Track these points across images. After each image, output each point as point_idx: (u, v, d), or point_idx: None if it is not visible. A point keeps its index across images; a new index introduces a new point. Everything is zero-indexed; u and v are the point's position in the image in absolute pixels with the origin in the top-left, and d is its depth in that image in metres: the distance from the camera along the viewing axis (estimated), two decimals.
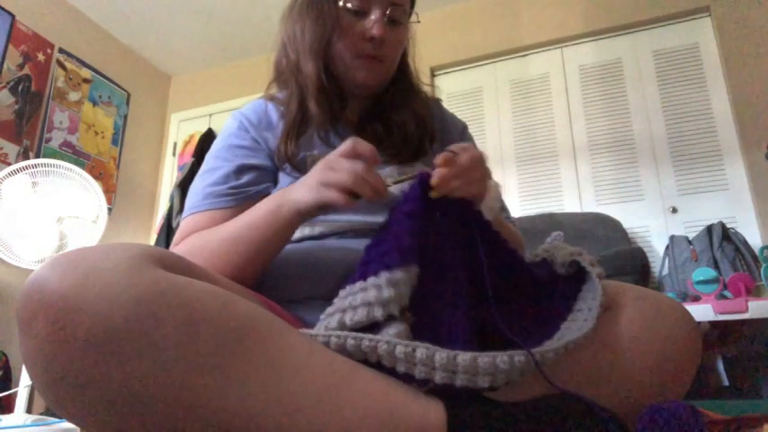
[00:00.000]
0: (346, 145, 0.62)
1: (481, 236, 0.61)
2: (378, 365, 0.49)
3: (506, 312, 0.60)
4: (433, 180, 0.60)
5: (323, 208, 0.64)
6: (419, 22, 0.88)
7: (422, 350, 0.47)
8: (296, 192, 0.66)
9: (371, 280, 0.53)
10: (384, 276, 0.52)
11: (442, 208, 0.61)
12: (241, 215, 0.71)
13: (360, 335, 0.50)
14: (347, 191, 0.60)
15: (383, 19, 0.79)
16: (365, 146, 0.62)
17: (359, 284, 0.54)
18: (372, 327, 0.52)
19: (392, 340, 0.48)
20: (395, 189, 0.65)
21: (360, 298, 0.53)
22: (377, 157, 0.62)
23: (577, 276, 0.65)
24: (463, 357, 0.46)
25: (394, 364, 0.48)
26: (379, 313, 0.51)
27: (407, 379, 0.48)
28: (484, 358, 0.47)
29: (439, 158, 0.61)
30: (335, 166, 0.62)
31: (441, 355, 0.47)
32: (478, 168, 0.63)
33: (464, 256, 0.60)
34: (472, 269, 0.60)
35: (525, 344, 0.50)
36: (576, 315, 0.58)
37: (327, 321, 0.54)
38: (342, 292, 0.56)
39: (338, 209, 0.64)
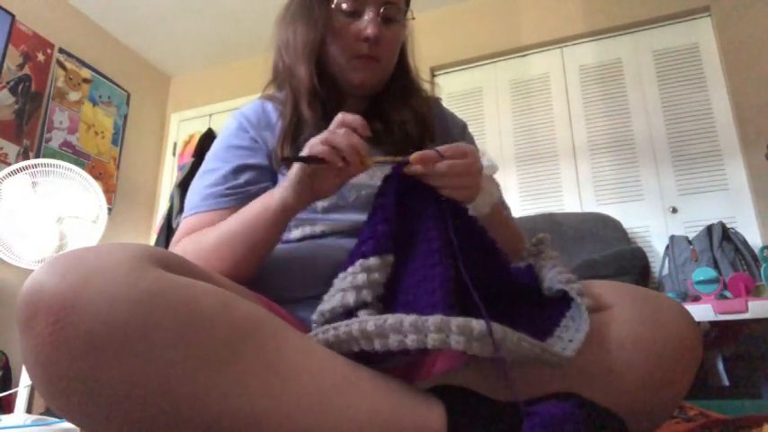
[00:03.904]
0: (335, 120, 0.63)
1: (460, 228, 0.60)
2: (373, 364, 0.49)
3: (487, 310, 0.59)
4: (413, 158, 0.61)
5: (311, 177, 0.62)
6: (414, 18, 0.87)
7: (392, 318, 0.47)
8: (284, 186, 0.66)
9: (349, 269, 0.56)
10: (359, 263, 0.55)
11: (419, 198, 0.61)
12: (235, 214, 0.71)
13: (337, 324, 0.50)
14: (329, 145, 0.59)
15: (377, 18, 0.78)
16: (352, 116, 0.63)
17: (340, 275, 0.57)
18: (350, 316, 0.53)
19: (364, 318, 0.49)
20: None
21: (336, 285, 0.56)
22: (365, 126, 0.62)
23: (562, 296, 0.62)
24: (434, 318, 0.45)
25: (372, 346, 0.48)
26: (351, 299, 0.53)
27: (388, 357, 0.48)
28: (457, 319, 0.45)
29: (416, 155, 0.61)
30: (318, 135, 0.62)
31: (410, 317, 0.46)
32: (464, 175, 0.62)
33: (443, 247, 0.58)
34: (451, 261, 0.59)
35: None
36: (556, 341, 0.55)
37: (314, 316, 0.57)
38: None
39: (329, 184, 0.63)
